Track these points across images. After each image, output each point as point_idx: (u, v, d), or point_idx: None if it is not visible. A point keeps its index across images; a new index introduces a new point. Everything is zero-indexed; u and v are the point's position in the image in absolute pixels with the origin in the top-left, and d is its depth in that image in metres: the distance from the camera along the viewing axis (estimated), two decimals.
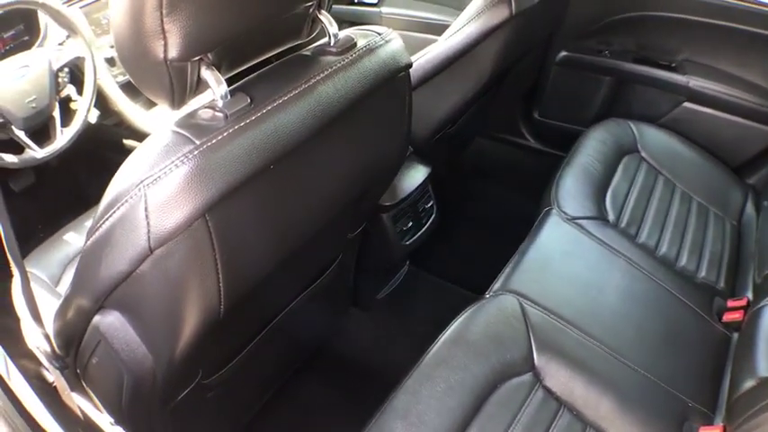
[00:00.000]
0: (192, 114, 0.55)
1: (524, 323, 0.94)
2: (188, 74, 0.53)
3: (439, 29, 1.20)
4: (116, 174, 0.55)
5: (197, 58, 0.52)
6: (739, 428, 0.80)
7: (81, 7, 1.10)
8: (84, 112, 1.09)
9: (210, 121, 0.54)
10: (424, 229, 1.18)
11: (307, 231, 0.70)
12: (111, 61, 1.15)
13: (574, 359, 0.92)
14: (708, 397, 0.95)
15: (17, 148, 1.01)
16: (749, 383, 0.87)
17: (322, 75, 0.62)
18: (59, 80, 1.05)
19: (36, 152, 1.02)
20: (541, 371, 0.91)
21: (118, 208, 0.53)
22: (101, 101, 1.15)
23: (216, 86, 0.54)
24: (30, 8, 0.97)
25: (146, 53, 0.50)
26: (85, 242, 0.60)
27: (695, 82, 1.40)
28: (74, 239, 1.05)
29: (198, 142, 0.51)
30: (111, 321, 0.63)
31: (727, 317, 1.07)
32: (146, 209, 0.51)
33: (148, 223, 0.51)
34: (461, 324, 0.92)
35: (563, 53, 1.51)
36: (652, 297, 1.07)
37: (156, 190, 0.51)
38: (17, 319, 0.96)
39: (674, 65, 1.44)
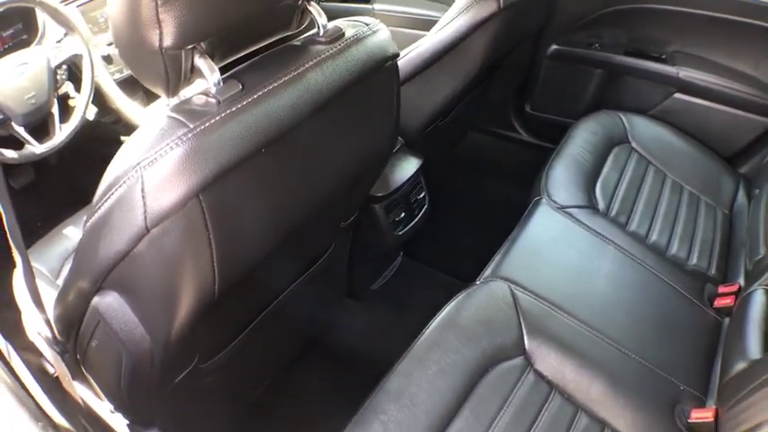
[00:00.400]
0: (187, 101, 0.59)
1: (515, 308, 0.97)
2: (182, 62, 0.57)
3: (432, 25, 1.24)
4: (114, 158, 0.59)
5: (191, 46, 0.56)
6: (731, 410, 0.82)
7: (78, 6, 1.14)
8: (83, 108, 1.12)
9: (204, 107, 0.57)
10: (416, 220, 1.22)
11: (299, 216, 0.73)
12: (108, 59, 1.19)
13: (564, 343, 0.94)
14: (700, 381, 0.97)
15: (17, 143, 1.05)
16: (740, 366, 0.89)
17: (311, 62, 0.65)
18: (58, 77, 1.09)
19: (35, 147, 1.06)
20: (532, 355, 0.93)
21: (116, 190, 0.57)
22: (98, 98, 1.18)
23: (209, 74, 0.58)
24: (28, 6, 1.00)
25: (142, 42, 0.54)
26: (84, 225, 0.63)
27: (685, 73, 1.43)
28: (73, 234, 1.09)
29: (191, 126, 0.55)
30: (109, 302, 0.66)
31: (719, 302, 1.09)
32: (142, 189, 0.54)
33: (145, 203, 0.55)
34: (453, 309, 0.95)
35: (554, 47, 1.54)
36: (643, 283, 1.09)
37: (152, 171, 0.54)
38: (20, 313, 0.99)
39: (664, 56, 1.47)
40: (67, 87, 1.12)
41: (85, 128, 1.15)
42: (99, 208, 0.60)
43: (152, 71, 0.57)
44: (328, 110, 0.67)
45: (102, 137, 1.31)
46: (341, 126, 0.73)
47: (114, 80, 1.20)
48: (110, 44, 1.20)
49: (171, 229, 0.56)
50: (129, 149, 0.57)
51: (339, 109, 0.70)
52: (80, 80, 1.12)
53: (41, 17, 1.09)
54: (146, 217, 0.55)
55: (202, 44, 0.58)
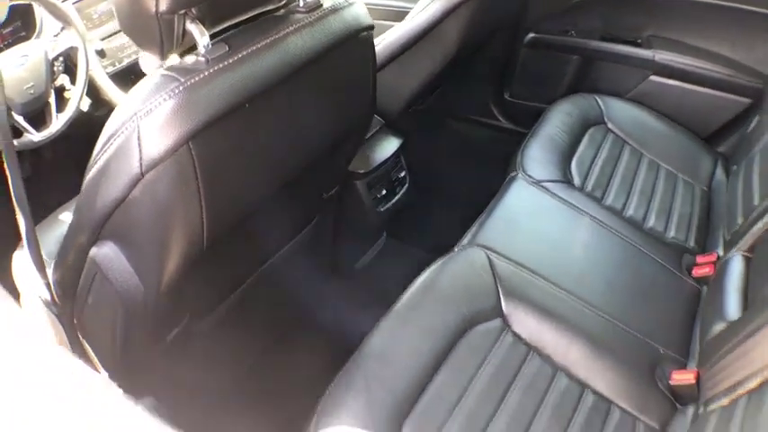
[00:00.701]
0: (179, 62, 0.70)
1: (492, 274, 1.03)
2: (175, 26, 0.67)
3: None
4: (113, 113, 0.69)
5: (183, 11, 0.67)
6: (711, 370, 0.87)
7: (73, 3, 1.26)
8: (77, 99, 1.23)
9: (194, 65, 0.68)
10: (397, 197, 1.32)
11: (282, 173, 0.83)
12: (101, 53, 1.31)
13: (542, 307, 1.00)
14: (680, 345, 1.02)
15: (16, 132, 1.16)
16: (719, 327, 0.95)
17: (291, 28, 0.76)
18: (54, 69, 1.20)
19: (33, 136, 1.16)
20: (510, 317, 0.99)
21: (114, 140, 0.67)
22: (92, 91, 1.29)
23: (199, 36, 0.69)
24: (28, 2, 1.12)
25: (140, 9, 0.64)
26: (84, 180, 0.73)
27: (661, 56, 1.52)
28: (69, 219, 1.18)
29: (183, 80, 0.65)
30: (106, 252, 0.76)
31: (697, 272, 1.16)
32: (138, 137, 0.65)
33: (140, 149, 0.65)
34: (432, 274, 1.02)
35: (531, 35, 1.64)
36: (620, 252, 1.16)
37: (147, 120, 0.64)
38: (19, 297, 1.08)
39: (639, 41, 1.56)
40: (63, 80, 1.23)
41: (80, 122, 1.25)
42: (97, 160, 0.70)
43: (148, 35, 0.67)
44: (307, 72, 0.78)
45: (97, 130, 1.41)
46: (320, 89, 0.83)
47: (107, 73, 1.31)
48: (103, 39, 1.32)
49: (163, 175, 0.66)
50: (125, 104, 0.67)
51: (318, 72, 0.81)
52: (75, 73, 1.23)
53: (39, 14, 1.21)
54: (141, 163, 0.65)
55: (193, 10, 0.68)
